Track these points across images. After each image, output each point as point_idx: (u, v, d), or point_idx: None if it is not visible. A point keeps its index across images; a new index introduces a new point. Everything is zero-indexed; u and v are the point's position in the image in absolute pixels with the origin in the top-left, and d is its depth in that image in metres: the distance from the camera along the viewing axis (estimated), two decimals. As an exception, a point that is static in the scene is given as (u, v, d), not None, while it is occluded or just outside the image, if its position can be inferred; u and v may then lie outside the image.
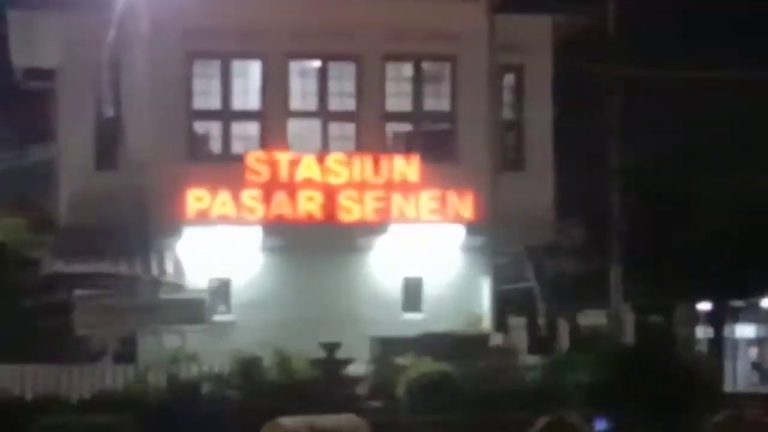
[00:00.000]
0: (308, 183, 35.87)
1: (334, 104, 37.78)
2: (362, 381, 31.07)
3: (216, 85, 37.58)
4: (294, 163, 35.82)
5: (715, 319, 45.95)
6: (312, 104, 38.07)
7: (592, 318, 38.52)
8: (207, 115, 38.15)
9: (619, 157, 39.51)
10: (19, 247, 39.20)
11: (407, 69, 38.13)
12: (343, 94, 37.65)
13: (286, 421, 18.85)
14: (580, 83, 39.61)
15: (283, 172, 35.80)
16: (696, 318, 45.17)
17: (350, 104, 37.43)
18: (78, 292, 35.42)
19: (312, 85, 38.31)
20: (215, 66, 37.73)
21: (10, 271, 38.23)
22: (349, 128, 37.44)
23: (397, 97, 37.84)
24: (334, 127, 37.63)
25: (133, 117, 37.07)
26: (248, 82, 38.26)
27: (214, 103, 37.71)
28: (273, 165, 35.74)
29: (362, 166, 36.02)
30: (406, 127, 39.34)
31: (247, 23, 36.75)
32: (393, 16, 36.84)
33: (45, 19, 38.26)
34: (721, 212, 46.39)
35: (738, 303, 47.81)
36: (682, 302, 43.82)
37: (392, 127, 38.75)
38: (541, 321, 37.61)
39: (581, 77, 39.56)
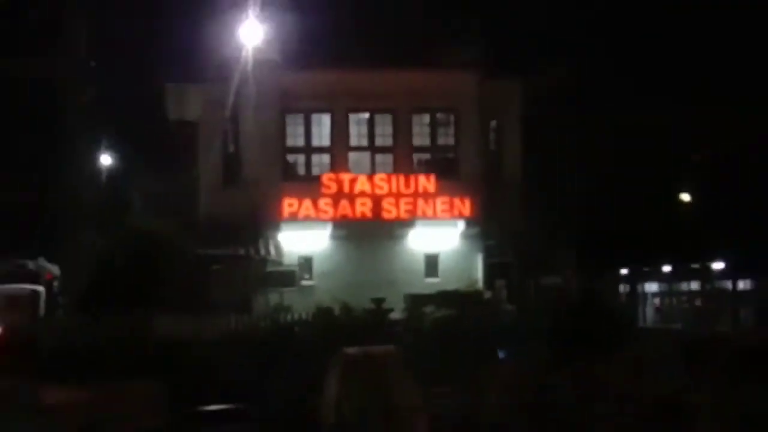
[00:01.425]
0: (362, 194, 37.54)
1: (379, 141, 39.09)
2: (399, 323, 31.29)
3: (301, 129, 38.85)
4: (352, 181, 37.67)
5: (631, 280, 47.11)
6: (364, 141, 39.33)
7: (550, 280, 40.00)
8: (295, 150, 39.24)
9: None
10: (173, 238, 39.42)
11: (426, 118, 39.53)
12: (384, 134, 39.07)
13: (350, 350, 18.33)
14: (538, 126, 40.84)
15: (346, 187, 37.56)
16: (618, 279, 46.17)
17: (389, 141, 38.98)
18: (215, 267, 36.94)
19: (364, 129, 39.43)
20: (300, 118, 38.87)
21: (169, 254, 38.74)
22: (388, 157, 38.90)
23: (420, 136, 39.40)
24: (379, 157, 38.93)
25: (247, 152, 38.56)
26: (322, 128, 39.25)
27: (300, 141, 39.01)
28: (339, 182, 37.47)
29: (397, 183, 37.79)
30: (426, 155, 40.14)
31: (320, 91, 38.36)
32: (416, 83, 38.57)
33: (189, 88, 39.81)
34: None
35: (645, 268, 48.64)
36: (610, 269, 44.74)
37: (417, 156, 39.58)
38: (516, 283, 38.95)
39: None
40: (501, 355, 26.46)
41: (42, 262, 42.47)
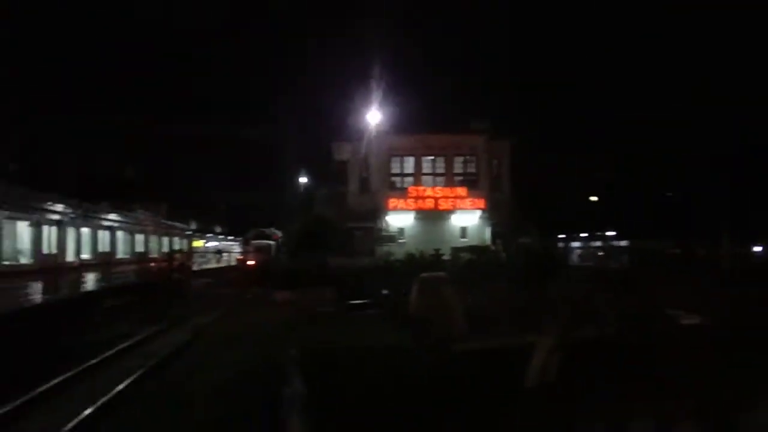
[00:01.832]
0: (428, 197, 37.76)
1: (437, 170, 39.23)
2: (447, 261, 31.08)
3: (398, 164, 39.08)
4: (423, 190, 38.06)
5: (565, 241, 46.88)
6: (429, 170, 39.27)
7: (524, 240, 39.86)
8: (395, 175, 39.02)
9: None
10: (335, 219, 39.93)
11: (461, 158, 39.41)
12: (439, 167, 39.03)
13: (423, 275, 17.48)
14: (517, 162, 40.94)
15: (420, 193, 38.02)
16: (558, 240, 45.77)
17: (441, 170, 39.06)
18: (356, 233, 37.21)
19: (429, 164, 39.15)
20: (398, 158, 39.00)
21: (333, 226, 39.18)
22: (441, 179, 38.94)
23: (457, 167, 39.41)
24: (438, 179, 39.07)
25: (372, 175, 39.16)
26: (408, 164, 39.01)
27: (397, 170, 39.09)
28: (417, 191, 37.84)
29: (446, 191, 38.22)
30: (461, 177, 39.20)
31: (407, 144, 38.78)
32: (456, 141, 38.81)
33: (344, 144, 39.87)
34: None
35: (573, 235, 48.41)
36: (554, 235, 44.50)
37: (456, 178, 39.25)
38: (506, 242, 39.02)
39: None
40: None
41: (273, 230, 43.90)
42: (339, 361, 10.05)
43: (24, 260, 15.79)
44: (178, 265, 30.35)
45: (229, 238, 77.31)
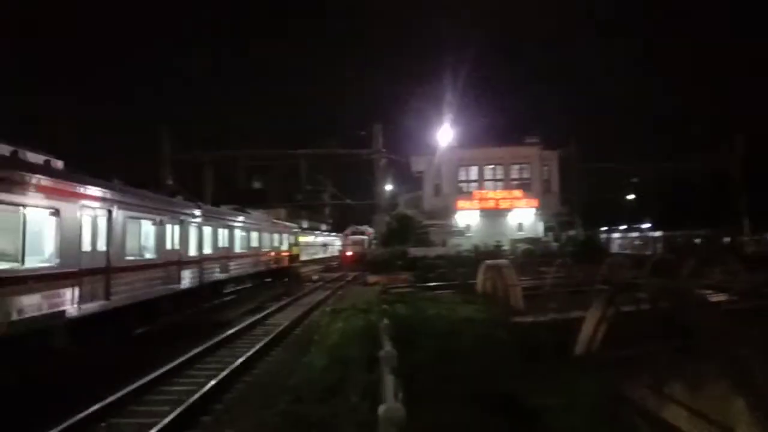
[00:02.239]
0: (490, 198, 37.44)
1: (497, 176, 38.82)
2: (506, 251, 31.01)
3: (464, 173, 38.89)
4: (486, 193, 37.65)
5: (607, 232, 45.16)
6: (491, 176, 38.93)
7: (572, 232, 38.73)
8: (462, 181, 38.91)
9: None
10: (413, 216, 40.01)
11: (517, 166, 38.88)
12: (498, 174, 38.76)
13: (487, 261, 17.77)
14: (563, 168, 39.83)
15: (483, 196, 37.55)
16: (600, 231, 44.17)
17: (500, 176, 38.70)
18: (429, 228, 36.42)
19: (491, 171, 38.83)
20: (464, 168, 38.82)
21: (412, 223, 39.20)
22: (500, 183, 38.58)
23: (515, 173, 38.90)
24: (498, 184, 38.65)
25: (443, 182, 39.06)
26: (473, 172, 38.89)
27: (464, 177, 39.00)
28: (480, 195, 37.51)
29: (506, 193, 37.58)
30: (517, 182, 38.69)
31: (472, 156, 38.42)
32: (514, 152, 38.27)
33: (421, 157, 39.69)
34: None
35: (612, 227, 46.50)
36: (597, 227, 42.99)
37: (513, 182, 38.90)
38: (557, 234, 38.21)
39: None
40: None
41: (366, 227, 44.14)
42: (420, 329, 10.10)
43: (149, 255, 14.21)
44: (291, 256, 31.02)
45: (333, 234, 78.65)
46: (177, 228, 15.57)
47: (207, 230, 18.31)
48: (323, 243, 75.84)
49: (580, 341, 9.34)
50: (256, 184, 61.98)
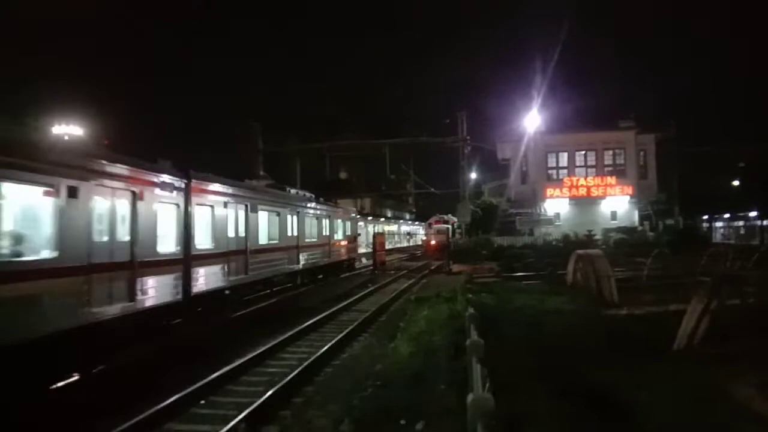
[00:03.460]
0: (581, 186, 36.19)
1: (589, 162, 37.46)
2: (599, 241, 29.92)
3: (553, 159, 37.74)
4: (577, 180, 36.41)
5: (708, 220, 42.50)
6: (582, 163, 37.53)
7: (669, 221, 36.87)
8: (551, 168, 37.84)
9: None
10: (497, 205, 39.46)
11: (610, 151, 37.24)
12: (591, 160, 37.35)
13: (580, 251, 17.48)
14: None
15: (574, 183, 36.33)
16: (702, 220, 41.60)
17: (593, 162, 37.29)
18: (517, 217, 36.17)
19: (582, 157, 37.43)
20: (553, 154, 37.67)
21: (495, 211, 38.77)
22: (593, 170, 37.16)
23: (607, 159, 37.30)
24: (590, 171, 37.24)
25: (530, 169, 38.14)
26: (562, 158, 37.70)
27: (553, 164, 37.83)
28: (570, 181, 36.32)
29: (598, 180, 36.16)
30: (610, 168, 36.99)
31: (562, 141, 37.23)
32: (606, 136, 36.69)
33: (506, 145, 39.41)
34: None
35: (715, 216, 43.64)
36: (698, 215, 40.53)
37: (606, 168, 37.26)
38: (653, 223, 36.43)
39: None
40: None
41: (450, 216, 44.04)
42: (507, 319, 10.03)
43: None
44: (378, 244, 31.43)
45: (416, 223, 78.99)
46: (295, 218, 18.81)
47: (313, 220, 21.16)
48: (407, 232, 76.50)
49: (679, 336, 8.89)
50: (342, 175, 63.28)
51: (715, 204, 41.54)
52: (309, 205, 21.28)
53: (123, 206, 9.74)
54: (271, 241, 17.01)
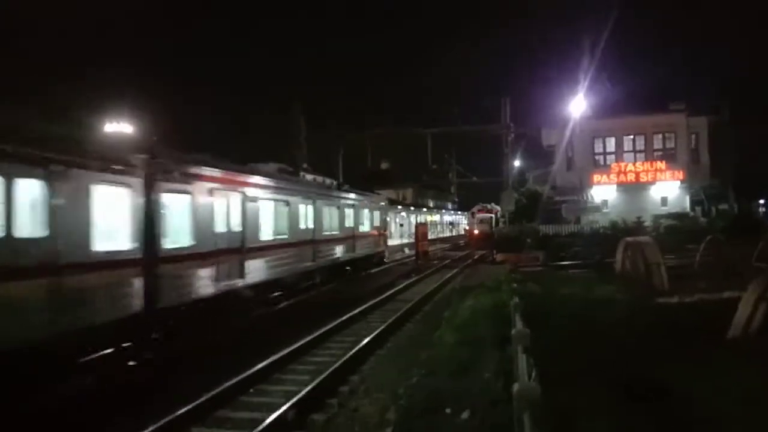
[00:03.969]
0: (630, 171, 34.97)
1: (638, 147, 36.19)
2: (648, 227, 29.02)
3: (600, 144, 36.57)
4: (625, 166, 35.29)
5: (765, 206, 40.68)
6: (630, 148, 36.17)
7: (722, 206, 35.56)
8: (597, 153, 36.55)
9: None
10: (542, 193, 38.90)
11: (660, 135, 35.81)
12: (640, 144, 35.92)
13: (627, 238, 17.16)
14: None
15: (622, 169, 35.28)
16: (758, 205, 39.80)
17: (642, 147, 35.81)
18: (562, 204, 35.38)
19: (630, 142, 35.92)
20: (600, 139, 36.49)
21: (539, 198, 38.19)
22: (642, 155, 35.89)
23: (657, 143, 35.94)
24: (639, 156, 36.00)
25: (576, 155, 37.10)
26: (609, 143, 36.42)
27: (600, 149, 36.61)
28: (618, 167, 35.19)
29: (647, 165, 35.06)
30: (660, 153, 35.27)
31: (609, 126, 36.21)
32: (656, 120, 35.37)
33: (552, 131, 38.52)
34: None
35: None
36: (753, 199, 38.90)
37: (655, 153, 35.82)
38: (706, 208, 35.12)
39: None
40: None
41: (493, 204, 43.65)
42: (553, 309, 9.92)
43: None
44: (420, 235, 31.53)
45: (459, 212, 78.62)
46: (310, 208, 17.28)
47: (333, 210, 19.70)
48: (449, 222, 76.29)
49: (734, 324, 8.63)
50: (384, 165, 63.52)
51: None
52: (328, 193, 19.46)
53: (30, 189, 7.15)
54: (279, 236, 14.67)
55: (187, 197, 10.50)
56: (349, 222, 20.83)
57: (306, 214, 16.76)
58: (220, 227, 11.50)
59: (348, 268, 21.16)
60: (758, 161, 38.19)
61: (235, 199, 12.27)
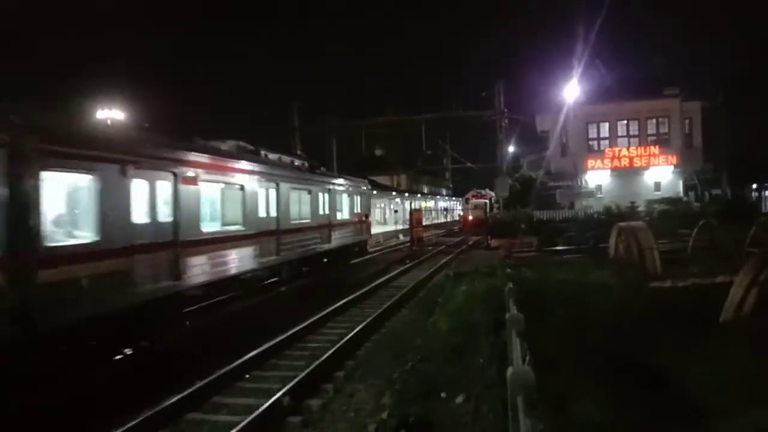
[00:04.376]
0: (623, 156, 34.84)
1: (632, 132, 36.09)
2: (642, 212, 29.10)
3: (594, 130, 36.27)
4: (619, 151, 35.16)
5: (757, 190, 40.79)
6: (624, 133, 35.96)
7: (715, 191, 35.66)
8: (591, 139, 36.27)
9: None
10: (535, 179, 38.78)
11: (653, 120, 35.66)
12: (633, 129, 35.80)
13: (620, 223, 17.00)
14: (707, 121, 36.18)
15: (616, 154, 35.18)
16: (750, 190, 40.03)
17: (635, 132, 35.66)
18: (557, 190, 35.39)
19: (624, 127, 35.82)
20: (594, 125, 36.24)
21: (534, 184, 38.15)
22: (635, 140, 35.80)
23: (651, 128, 35.80)
24: (632, 140, 35.87)
25: (570, 141, 36.82)
26: (603, 129, 36.13)
27: (594, 135, 36.33)
28: (612, 152, 35.06)
29: (640, 150, 34.98)
30: (654, 137, 35.12)
31: (603, 112, 36.05)
32: (650, 105, 35.18)
33: (546, 116, 38.34)
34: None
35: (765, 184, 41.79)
36: (745, 184, 39.03)
37: (649, 138, 35.76)
38: (699, 193, 35.28)
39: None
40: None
41: (487, 190, 43.65)
42: (547, 294, 9.96)
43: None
44: (415, 221, 31.50)
45: (453, 198, 78.65)
46: (271, 193, 14.51)
47: (303, 195, 16.92)
48: (444, 208, 76.34)
49: (725, 308, 8.73)
50: (377, 152, 63.34)
51: (766, 173, 39.80)
52: (298, 175, 16.53)
53: None
54: (229, 227, 11.97)
55: (89, 178, 7.98)
56: (324, 209, 18.29)
57: (267, 200, 14.04)
58: (140, 217, 8.99)
59: (325, 260, 18.90)
60: (752, 146, 38.12)
61: (165, 181, 9.71)
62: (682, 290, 11.01)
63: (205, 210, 11.13)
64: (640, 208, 29.83)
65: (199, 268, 10.45)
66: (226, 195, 12.04)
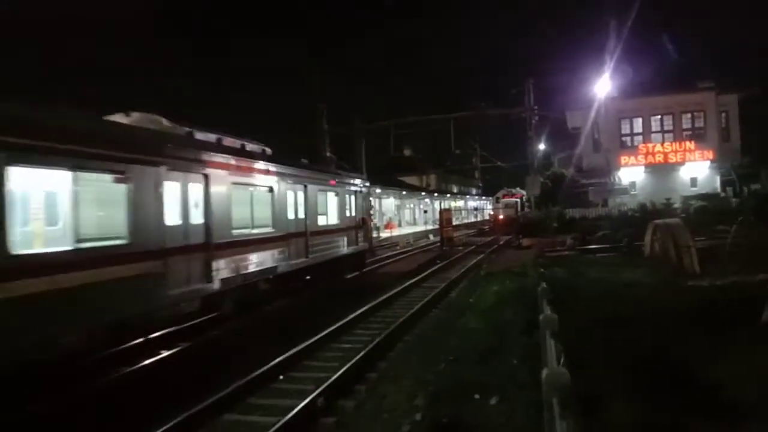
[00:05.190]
0: (658, 152, 34.21)
1: (666, 127, 35.30)
2: (678, 209, 28.43)
3: (627, 125, 35.79)
4: (653, 146, 34.47)
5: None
6: (658, 128, 35.32)
7: (754, 186, 34.52)
8: (625, 135, 35.71)
9: None
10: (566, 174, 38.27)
11: (689, 115, 34.91)
12: (668, 124, 35.12)
13: (658, 221, 16.68)
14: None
15: (650, 149, 34.51)
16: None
17: (670, 126, 34.92)
18: (589, 188, 34.70)
19: (658, 122, 35.07)
20: (627, 120, 35.67)
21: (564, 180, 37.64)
22: (670, 135, 35.09)
23: (686, 122, 35.00)
24: (666, 135, 35.21)
25: (603, 136, 36.28)
26: (637, 124, 35.45)
27: (627, 130, 35.72)
28: (646, 147, 34.41)
29: (676, 145, 34.27)
30: (689, 132, 34.58)
31: (636, 107, 35.49)
32: (685, 99, 34.47)
33: (576, 113, 37.93)
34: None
35: None
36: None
37: (684, 133, 34.96)
38: (736, 188, 34.26)
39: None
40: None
41: (518, 189, 43.26)
42: (581, 293, 9.85)
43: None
44: (445, 221, 31.46)
45: (483, 197, 78.13)
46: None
47: (269, 196, 12.69)
48: (474, 207, 75.93)
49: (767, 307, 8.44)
50: (406, 152, 63.34)
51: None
52: (249, 165, 11.61)
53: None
54: (115, 241, 7.86)
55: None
56: (294, 212, 13.67)
57: (184, 202, 9.44)
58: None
59: (308, 277, 14.71)
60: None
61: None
62: (720, 289, 10.72)
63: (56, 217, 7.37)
64: (676, 205, 29.21)
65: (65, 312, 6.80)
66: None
